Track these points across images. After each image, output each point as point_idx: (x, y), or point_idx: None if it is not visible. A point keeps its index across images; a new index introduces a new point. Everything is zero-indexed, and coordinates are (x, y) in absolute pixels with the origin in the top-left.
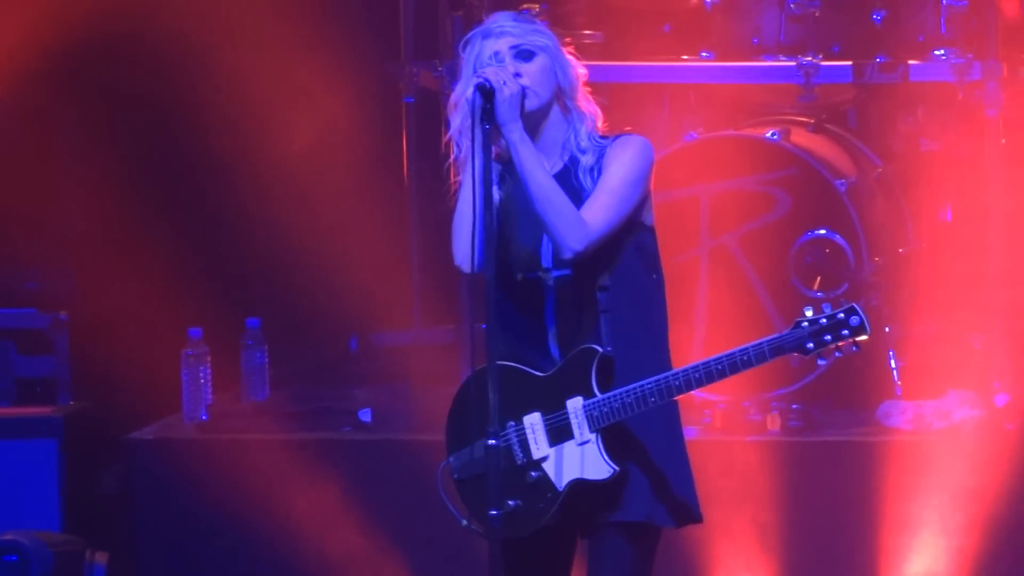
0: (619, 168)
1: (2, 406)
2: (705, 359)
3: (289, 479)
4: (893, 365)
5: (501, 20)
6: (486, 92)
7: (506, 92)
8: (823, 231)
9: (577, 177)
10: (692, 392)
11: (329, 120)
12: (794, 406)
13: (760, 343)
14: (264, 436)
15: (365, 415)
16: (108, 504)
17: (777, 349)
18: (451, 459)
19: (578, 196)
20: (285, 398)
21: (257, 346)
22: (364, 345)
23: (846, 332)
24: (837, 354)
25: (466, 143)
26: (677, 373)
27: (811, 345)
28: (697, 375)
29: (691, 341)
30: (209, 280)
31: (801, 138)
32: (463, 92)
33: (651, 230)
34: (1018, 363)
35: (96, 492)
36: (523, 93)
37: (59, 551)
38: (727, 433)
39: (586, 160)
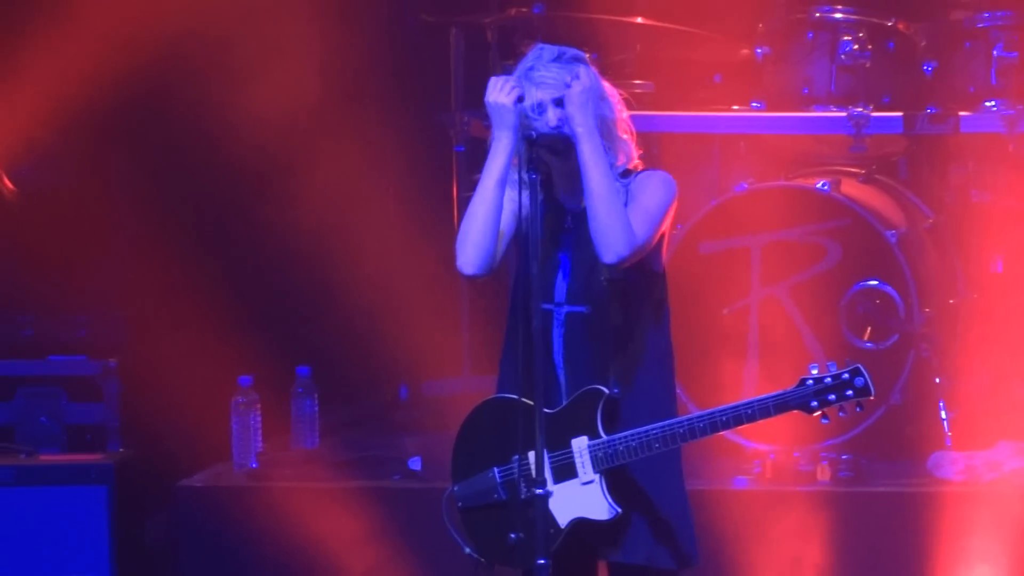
0: (651, 195)
1: (52, 453)
2: (710, 410)
3: (338, 527)
4: (943, 416)
5: (546, 59)
6: (532, 143)
7: (578, 88)
8: (874, 282)
9: None
10: (743, 442)
11: (381, 168)
12: (844, 456)
13: (765, 398)
14: (314, 484)
15: (415, 463)
16: (157, 551)
17: (781, 405)
18: (455, 488)
19: None
20: (335, 446)
21: (307, 394)
22: (414, 393)
23: (850, 393)
24: (841, 414)
25: (501, 156)
26: (682, 421)
27: (815, 403)
28: (702, 424)
29: (741, 389)
30: (260, 328)
31: (852, 189)
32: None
33: (662, 276)
34: None
35: (145, 539)
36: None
37: None
38: (777, 483)
39: None
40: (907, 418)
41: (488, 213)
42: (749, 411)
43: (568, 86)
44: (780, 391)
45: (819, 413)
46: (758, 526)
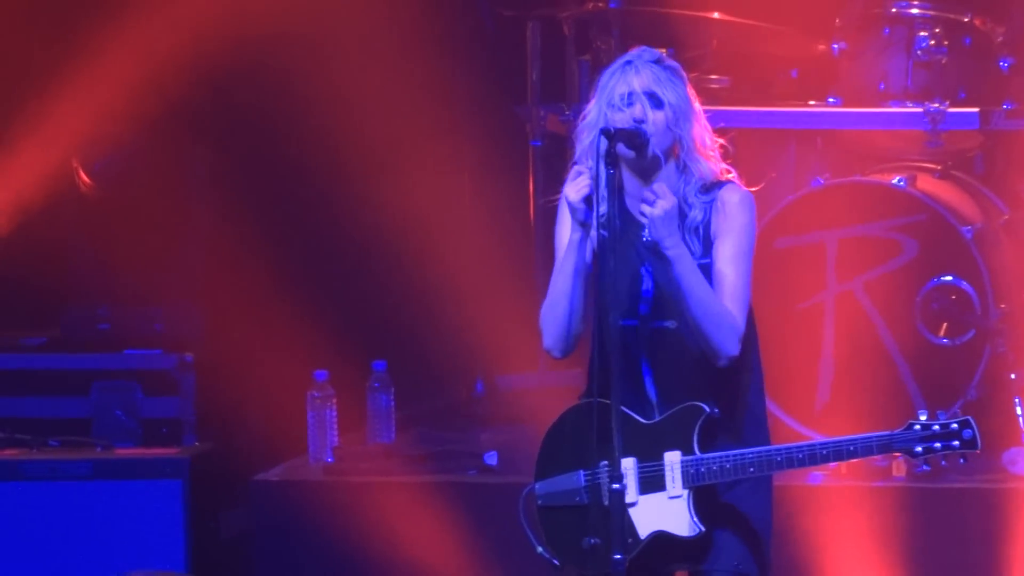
0: (738, 241)
1: (128, 447)
2: (811, 442)
3: (414, 522)
4: (1019, 411)
5: (645, 58)
6: (610, 136)
7: (659, 210)
8: (949, 277)
9: (684, 230)
10: (816, 438)
11: (457, 162)
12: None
13: (869, 437)
14: (389, 479)
15: (491, 458)
16: (233, 545)
17: (885, 446)
18: (536, 486)
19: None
20: (411, 440)
21: (383, 388)
22: (490, 388)
23: (956, 444)
24: (943, 463)
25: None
26: (780, 449)
27: (919, 449)
28: (800, 455)
29: (816, 386)
30: (335, 322)
31: (928, 184)
32: (594, 120)
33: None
34: None
35: (220, 533)
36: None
37: None
38: (853, 479)
39: (694, 215)
40: (982, 414)
41: (569, 305)
42: (852, 447)
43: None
44: (887, 432)
45: (921, 459)
46: (833, 522)
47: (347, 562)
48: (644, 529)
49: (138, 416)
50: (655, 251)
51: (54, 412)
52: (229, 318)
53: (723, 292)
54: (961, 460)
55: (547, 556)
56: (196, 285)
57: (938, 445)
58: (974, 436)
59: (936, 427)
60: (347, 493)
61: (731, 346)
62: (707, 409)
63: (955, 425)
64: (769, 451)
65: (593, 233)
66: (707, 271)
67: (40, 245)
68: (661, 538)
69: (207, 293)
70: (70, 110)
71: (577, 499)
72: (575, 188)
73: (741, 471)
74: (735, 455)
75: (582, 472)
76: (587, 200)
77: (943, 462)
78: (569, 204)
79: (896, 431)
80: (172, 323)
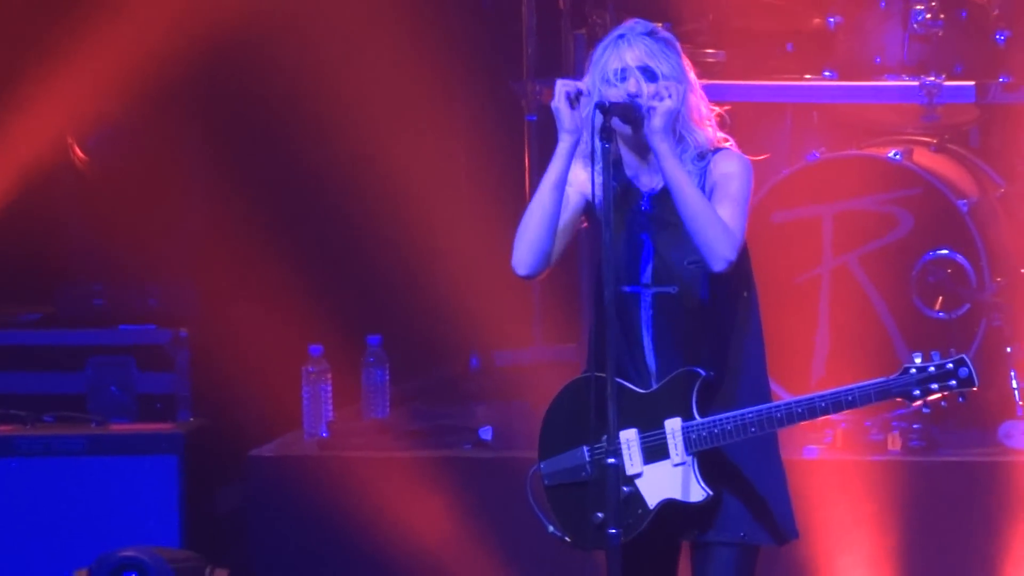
0: (734, 180)
1: (123, 422)
2: (809, 395)
3: (409, 497)
4: (1015, 385)
5: (638, 31)
6: (605, 110)
7: (664, 107)
8: (945, 251)
9: None
10: None
11: (452, 137)
12: (915, 426)
13: (866, 385)
14: (384, 454)
15: (486, 433)
16: (228, 520)
17: (883, 392)
18: (542, 465)
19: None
20: (406, 416)
21: (378, 363)
22: (485, 363)
23: (954, 383)
24: (943, 404)
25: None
26: (779, 406)
27: (917, 392)
28: (800, 410)
29: (812, 359)
30: (330, 297)
31: (924, 158)
32: (589, 89)
33: (745, 249)
34: None
35: (216, 509)
36: (649, 111)
37: (179, 567)
38: (848, 452)
39: None
40: (979, 387)
41: (544, 216)
42: (850, 397)
43: (659, 58)
44: (882, 378)
45: (920, 402)
46: (828, 496)
47: (342, 537)
48: (653, 498)
49: (133, 392)
50: (655, 218)
51: (49, 388)
52: (223, 294)
53: (716, 202)
54: (960, 399)
55: (559, 535)
56: (190, 261)
57: (935, 386)
58: (970, 374)
59: (932, 368)
60: (342, 468)
61: (728, 249)
62: (702, 373)
63: (950, 365)
64: (768, 408)
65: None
66: None
67: (35, 221)
68: (671, 506)
69: (201, 269)
70: (65, 86)
71: (583, 474)
72: (558, 91)
73: (743, 431)
74: (735, 415)
75: (585, 447)
76: (571, 100)
77: (943, 403)
78: (557, 111)
79: (892, 376)
80: (167, 299)
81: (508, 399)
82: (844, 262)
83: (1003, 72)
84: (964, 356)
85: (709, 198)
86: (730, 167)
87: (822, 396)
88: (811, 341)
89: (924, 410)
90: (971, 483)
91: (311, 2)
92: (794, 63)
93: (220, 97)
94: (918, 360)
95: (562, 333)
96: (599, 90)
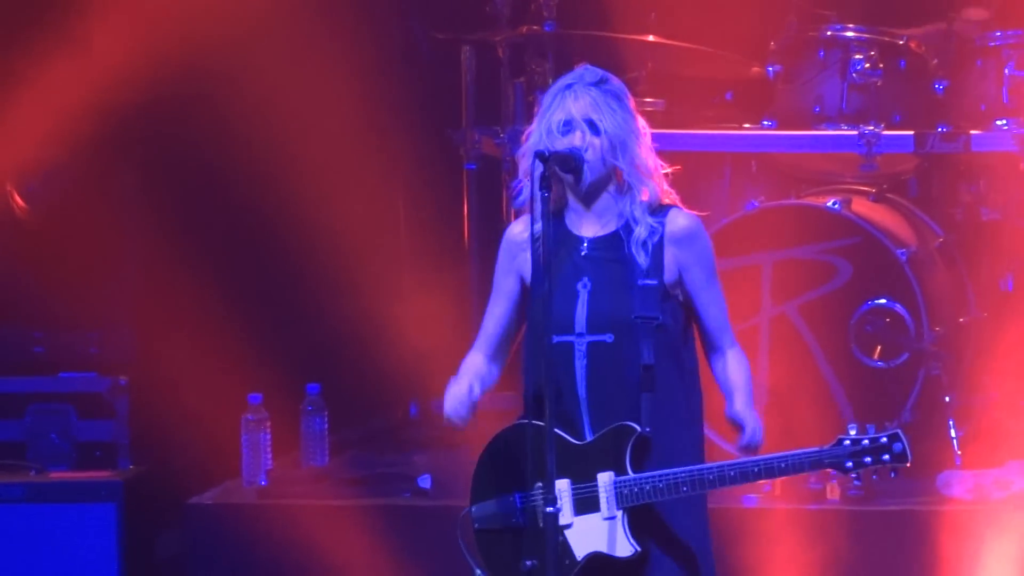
0: (708, 253)
1: (62, 470)
2: (742, 460)
3: (348, 545)
4: (953, 434)
5: (587, 80)
6: (545, 159)
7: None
8: (884, 300)
9: (629, 246)
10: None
11: (391, 185)
12: (854, 475)
13: (799, 453)
14: (324, 502)
15: (425, 481)
16: (167, 568)
17: (816, 463)
18: (472, 509)
19: (626, 263)
20: (345, 464)
21: (317, 412)
22: (424, 411)
23: (887, 457)
24: (874, 477)
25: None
26: (712, 467)
27: (850, 464)
28: (732, 473)
29: None
30: (269, 345)
31: (862, 207)
32: (535, 144)
33: (688, 302)
34: None
35: (155, 556)
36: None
37: None
38: (787, 501)
39: (639, 232)
40: (917, 436)
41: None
42: (783, 465)
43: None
44: (816, 448)
45: (854, 475)
46: (767, 545)
47: None
48: (580, 550)
49: (73, 439)
50: (594, 264)
51: None
52: (163, 341)
53: (718, 316)
54: (892, 474)
55: None
56: (130, 308)
57: (868, 459)
58: (904, 449)
59: (866, 441)
60: (281, 516)
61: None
62: (638, 429)
63: (884, 439)
64: (701, 469)
65: (526, 255)
66: (652, 292)
67: None
68: (598, 559)
69: (141, 316)
70: (3, 134)
71: (513, 521)
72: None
73: (674, 490)
74: (667, 474)
75: (518, 494)
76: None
77: (875, 476)
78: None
79: (826, 447)
80: (106, 346)
81: (447, 448)
82: (783, 311)
83: (941, 121)
84: (899, 431)
85: (662, 254)
86: (699, 241)
87: (755, 461)
88: None
89: (857, 491)
90: (910, 532)
91: (250, 51)
92: (733, 112)
93: (160, 146)
94: (853, 432)
95: (501, 381)
96: (543, 140)
